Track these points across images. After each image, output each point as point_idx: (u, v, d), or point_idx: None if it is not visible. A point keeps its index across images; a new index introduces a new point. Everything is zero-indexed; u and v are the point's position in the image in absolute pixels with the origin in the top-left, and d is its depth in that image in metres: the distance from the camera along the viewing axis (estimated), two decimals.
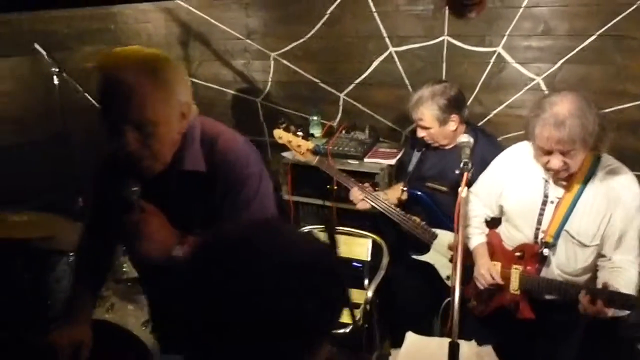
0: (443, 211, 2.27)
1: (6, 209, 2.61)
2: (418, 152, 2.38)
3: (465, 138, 1.77)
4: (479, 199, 2.00)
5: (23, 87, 3.09)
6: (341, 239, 2.48)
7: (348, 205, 2.67)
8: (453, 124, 2.20)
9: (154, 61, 1.18)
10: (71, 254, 2.60)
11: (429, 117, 2.17)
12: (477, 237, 1.96)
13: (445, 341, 1.66)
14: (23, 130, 3.10)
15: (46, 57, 2.85)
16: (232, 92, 3.40)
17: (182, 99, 1.23)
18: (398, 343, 1.66)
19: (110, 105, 1.15)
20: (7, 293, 2.50)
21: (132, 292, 2.61)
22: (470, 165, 1.64)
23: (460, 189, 1.56)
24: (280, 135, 2.41)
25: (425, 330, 2.28)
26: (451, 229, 2.24)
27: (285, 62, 3.16)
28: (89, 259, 1.58)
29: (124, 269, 2.56)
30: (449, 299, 2.19)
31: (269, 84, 3.28)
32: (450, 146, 2.27)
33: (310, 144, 2.37)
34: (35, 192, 2.97)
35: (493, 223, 2.04)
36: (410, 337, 1.68)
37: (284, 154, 2.78)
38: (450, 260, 2.26)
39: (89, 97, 2.88)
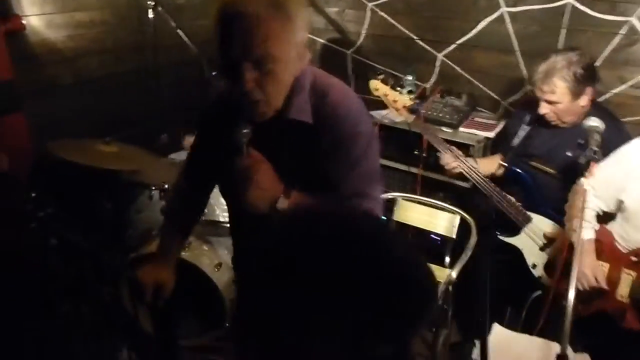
0: (543, 195, 2.07)
1: (97, 138, 2.68)
2: (527, 126, 2.15)
3: (595, 122, 1.56)
4: (594, 190, 1.79)
5: (118, 18, 3.09)
6: (425, 211, 2.38)
7: (435, 175, 2.52)
8: (585, 99, 1.95)
9: None
10: (153, 187, 2.67)
11: (562, 89, 1.91)
12: (586, 231, 1.77)
13: (535, 341, 1.54)
14: (116, 62, 3.13)
15: None
16: (321, 40, 3.26)
17: (302, 37, 1.13)
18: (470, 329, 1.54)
19: (231, 39, 1.06)
20: (89, 220, 2.61)
21: (209, 233, 2.64)
22: (599, 154, 1.43)
23: (583, 179, 1.37)
24: (377, 87, 2.23)
25: (497, 318, 2.15)
26: (549, 215, 2.07)
27: (382, 13, 2.96)
28: (183, 201, 1.56)
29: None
30: (537, 292, 2.04)
31: (362, 36, 3.10)
32: (569, 125, 2.04)
33: (407, 100, 2.19)
34: (123, 123, 3.02)
35: (603, 218, 1.83)
36: (496, 329, 1.57)
37: (373, 112, 2.64)
38: (542, 249, 2.09)
39: (181, 34, 2.84)
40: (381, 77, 2.31)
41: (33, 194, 2.01)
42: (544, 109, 2.00)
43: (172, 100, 3.20)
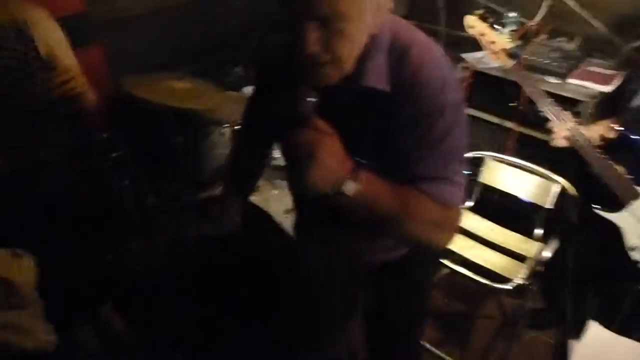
0: None
1: (171, 72, 2.61)
2: None
3: None
4: None
5: None
6: (518, 175, 2.11)
7: (532, 131, 2.22)
8: None
9: None
10: (225, 125, 2.61)
11: None
12: None
13: None
14: None
15: None
16: None
17: None
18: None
19: None
20: (164, 156, 2.61)
21: (278, 177, 2.58)
22: None
23: None
24: (473, 24, 1.90)
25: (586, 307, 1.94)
26: None
27: None
28: (241, 163, 1.47)
29: (273, 155, 2.49)
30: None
31: None
32: None
33: (507, 42, 1.87)
34: (196, 53, 2.93)
35: None
36: (594, 329, 1.37)
37: (465, 55, 2.33)
38: None
39: None
40: (480, 12, 1.98)
41: (104, 135, 1.99)
42: None
43: (243, 27, 3.04)
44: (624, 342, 1.37)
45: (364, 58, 0.99)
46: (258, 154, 1.47)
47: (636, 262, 1.84)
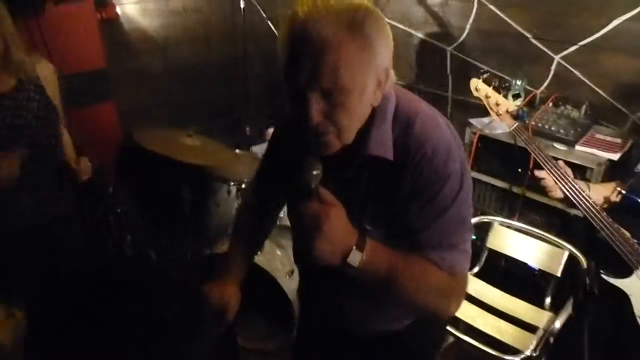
0: None
1: (182, 128, 2.66)
2: None
3: None
4: None
5: (211, 6, 3.05)
6: (526, 240, 2.06)
7: (540, 197, 2.19)
8: None
9: (356, 12, 0.89)
10: (232, 183, 2.62)
11: None
12: None
13: None
14: (207, 51, 3.10)
15: None
16: (420, 35, 2.99)
17: (383, 62, 0.95)
18: None
19: (296, 64, 0.90)
20: (171, 210, 2.61)
21: (283, 237, 2.55)
22: None
23: None
24: (479, 87, 1.96)
25: None
26: None
27: (492, 7, 2.62)
28: (250, 220, 1.45)
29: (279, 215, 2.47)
30: None
31: (466, 31, 2.78)
32: None
33: (511, 105, 1.90)
34: (210, 113, 3.01)
35: None
36: None
37: (472, 120, 2.35)
38: None
39: (270, 24, 2.73)
40: (485, 76, 2.03)
41: (110, 189, 1.99)
42: None
43: (259, 91, 3.13)
44: None
45: (369, 127, 1.02)
46: (266, 213, 1.47)
47: None
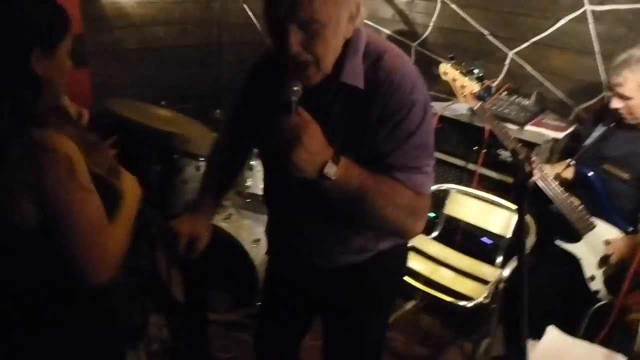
0: (613, 202, 1.89)
1: (152, 104, 2.70)
2: (603, 127, 1.98)
3: None
4: None
5: None
6: (480, 207, 2.23)
7: (493, 173, 2.37)
8: None
9: None
10: (201, 159, 2.66)
11: (632, 83, 1.78)
12: None
13: (598, 350, 1.38)
14: (181, 34, 3.17)
15: None
16: (387, 31, 3.17)
17: None
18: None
19: (275, 1, 1.00)
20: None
21: (250, 207, 2.60)
22: None
23: None
24: (447, 70, 2.13)
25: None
26: (617, 224, 1.89)
27: (453, 6, 2.84)
28: (221, 158, 1.52)
29: (247, 184, 2.54)
30: (601, 302, 1.86)
31: (430, 28, 2.99)
32: None
33: (475, 87, 2.07)
34: (180, 95, 3.05)
35: None
36: (552, 332, 1.41)
37: (433, 104, 2.52)
38: (603, 260, 1.91)
39: (248, 10, 2.84)
40: (453, 61, 2.20)
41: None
42: (615, 103, 1.87)
43: (231, 78, 3.20)
44: (581, 344, 1.41)
45: (342, 58, 1.11)
46: (239, 150, 1.53)
47: (596, 291, 1.92)
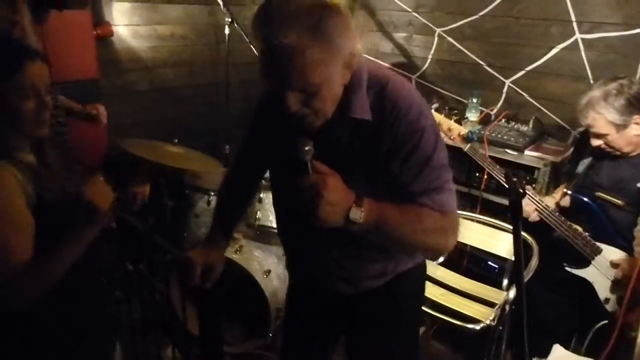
0: (615, 225, 1.94)
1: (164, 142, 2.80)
2: (590, 156, 2.04)
3: None
4: None
5: (197, 34, 3.30)
6: (485, 231, 2.28)
7: (495, 197, 2.43)
8: (637, 128, 1.84)
9: (314, 14, 1.00)
10: (212, 193, 2.74)
11: (601, 122, 1.84)
12: None
13: None
14: (191, 75, 3.32)
15: (222, 7, 2.98)
16: (387, 65, 3.30)
17: (347, 50, 1.07)
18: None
19: (270, 68, 1.05)
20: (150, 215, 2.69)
21: (260, 239, 2.66)
22: None
23: None
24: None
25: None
26: (621, 246, 1.93)
27: (450, 39, 2.97)
28: (231, 192, 1.57)
29: (257, 216, 2.60)
30: (605, 321, 1.88)
31: (428, 61, 3.12)
32: (635, 153, 1.92)
33: (462, 129, 2.14)
34: (191, 133, 3.16)
35: None
36: (558, 350, 1.45)
37: None
38: (615, 282, 1.93)
39: (253, 49, 2.98)
40: (435, 106, 2.28)
41: None
42: (595, 141, 1.93)
43: (239, 115, 3.32)
44: None
45: (348, 94, 1.14)
46: (249, 184, 1.59)
47: (613, 312, 1.93)
